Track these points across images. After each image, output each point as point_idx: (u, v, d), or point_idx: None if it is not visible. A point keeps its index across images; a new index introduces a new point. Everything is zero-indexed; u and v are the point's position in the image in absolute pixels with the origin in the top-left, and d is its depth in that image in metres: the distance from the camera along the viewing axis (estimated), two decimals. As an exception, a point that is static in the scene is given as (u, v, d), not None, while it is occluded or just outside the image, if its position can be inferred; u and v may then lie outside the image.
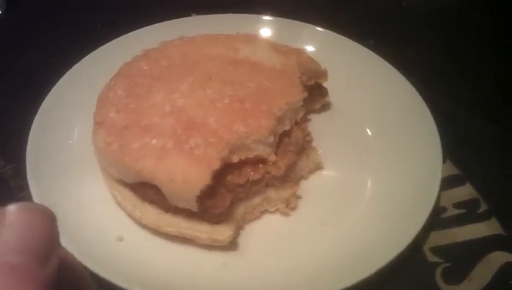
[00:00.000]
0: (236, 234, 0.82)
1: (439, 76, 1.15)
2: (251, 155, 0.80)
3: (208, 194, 0.74)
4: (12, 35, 1.24)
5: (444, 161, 0.89)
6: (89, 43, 1.09)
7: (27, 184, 0.83)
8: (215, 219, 0.78)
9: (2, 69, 1.13)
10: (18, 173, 0.91)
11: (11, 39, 1.23)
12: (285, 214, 0.86)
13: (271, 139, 0.81)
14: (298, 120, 0.89)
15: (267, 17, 1.19)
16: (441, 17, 1.34)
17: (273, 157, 0.82)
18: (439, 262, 0.82)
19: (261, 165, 0.82)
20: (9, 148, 0.95)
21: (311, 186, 0.90)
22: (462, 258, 0.82)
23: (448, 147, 0.91)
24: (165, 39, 1.01)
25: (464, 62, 1.20)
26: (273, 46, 0.98)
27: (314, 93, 1.00)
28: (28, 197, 0.84)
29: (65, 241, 0.73)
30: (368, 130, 0.99)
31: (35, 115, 0.93)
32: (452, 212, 0.89)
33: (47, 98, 0.96)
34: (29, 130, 0.90)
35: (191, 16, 1.24)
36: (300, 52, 0.99)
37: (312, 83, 0.98)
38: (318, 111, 1.04)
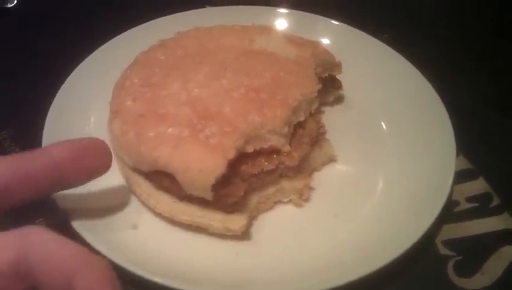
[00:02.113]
0: (250, 224, 0.82)
1: (454, 71, 1.14)
2: (266, 145, 0.80)
3: (223, 183, 0.75)
4: (28, 25, 1.25)
5: (457, 155, 0.89)
6: (103, 34, 1.10)
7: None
8: (229, 208, 0.79)
9: (18, 58, 1.14)
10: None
11: (27, 28, 1.24)
12: (298, 205, 0.86)
13: (286, 129, 0.81)
14: (312, 112, 0.89)
15: (282, 10, 1.19)
16: (456, 11, 1.34)
17: (287, 148, 0.82)
18: (451, 255, 0.82)
19: (275, 156, 0.82)
20: (25, 135, 0.95)
21: (324, 178, 0.91)
22: (474, 252, 0.82)
23: (462, 141, 0.91)
24: (181, 30, 1.02)
25: (478, 57, 1.20)
26: (288, 38, 0.98)
27: (328, 86, 1.00)
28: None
29: (80, 229, 0.74)
30: (381, 123, 0.99)
31: (50, 103, 0.93)
32: (464, 206, 0.89)
33: (63, 86, 0.97)
34: (45, 117, 0.91)
35: (205, 7, 1.24)
36: (316, 44, 0.99)
37: (326, 75, 0.98)
38: (331, 104, 1.04)
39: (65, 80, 0.98)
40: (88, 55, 1.04)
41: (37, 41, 1.19)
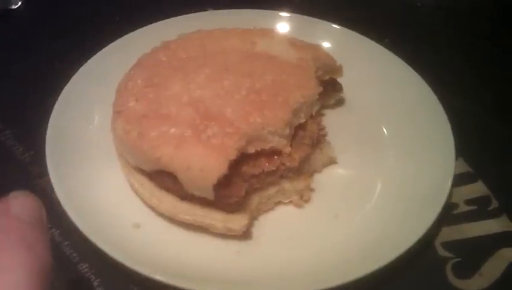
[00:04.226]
0: (251, 224, 0.83)
1: (453, 75, 1.15)
2: (267, 146, 0.81)
3: (224, 183, 0.75)
4: (33, 27, 1.26)
5: (456, 159, 0.89)
6: (107, 36, 1.11)
7: (46, 170, 0.84)
8: (230, 208, 0.79)
9: (22, 59, 1.15)
10: (37, 160, 0.92)
11: (31, 30, 1.25)
12: (298, 206, 0.87)
13: (287, 131, 0.82)
14: (313, 114, 0.90)
15: (283, 13, 1.20)
16: (455, 17, 1.35)
17: (288, 149, 0.83)
18: (450, 257, 0.83)
19: (276, 157, 0.83)
20: (28, 135, 0.97)
21: (325, 180, 0.92)
22: (473, 254, 0.83)
23: (461, 144, 0.92)
24: (183, 32, 1.02)
25: (478, 62, 1.21)
26: (290, 41, 0.98)
27: (329, 89, 1.00)
28: (46, 183, 0.86)
29: (82, 227, 0.75)
30: (381, 126, 1.00)
31: (54, 103, 0.94)
32: (463, 208, 0.90)
33: (66, 86, 0.98)
34: (48, 117, 0.92)
35: (207, 10, 1.25)
36: (317, 47, 1.00)
37: (327, 78, 0.99)
38: (332, 106, 1.05)
39: (68, 81, 0.99)
40: (91, 56, 1.05)
41: (40, 42, 1.20)
